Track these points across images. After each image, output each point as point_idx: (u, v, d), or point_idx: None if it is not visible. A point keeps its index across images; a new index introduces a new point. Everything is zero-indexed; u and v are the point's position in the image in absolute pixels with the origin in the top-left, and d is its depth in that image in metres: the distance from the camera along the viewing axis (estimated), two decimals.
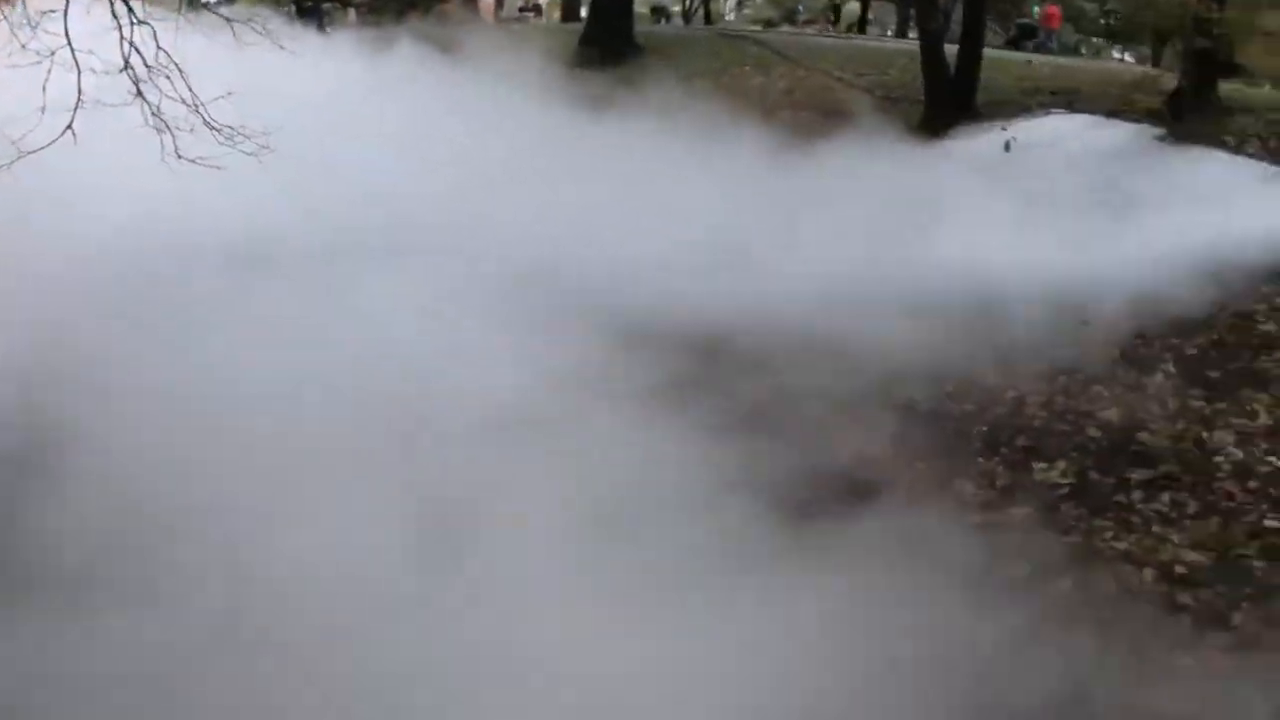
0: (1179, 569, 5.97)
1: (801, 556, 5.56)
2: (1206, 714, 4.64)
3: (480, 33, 29.09)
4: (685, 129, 15.90)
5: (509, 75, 17.63)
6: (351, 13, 40.35)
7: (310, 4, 30.11)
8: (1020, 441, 7.46)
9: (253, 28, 6.98)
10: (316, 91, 12.91)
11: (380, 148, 12.62)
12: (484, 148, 13.18)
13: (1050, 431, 7.59)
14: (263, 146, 6.77)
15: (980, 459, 7.13)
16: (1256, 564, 6.00)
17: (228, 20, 6.94)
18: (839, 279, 9.54)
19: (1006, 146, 13.65)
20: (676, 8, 51.65)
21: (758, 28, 35.60)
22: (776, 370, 8.06)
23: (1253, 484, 6.81)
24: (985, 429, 7.55)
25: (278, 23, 8.46)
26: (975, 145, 14.19)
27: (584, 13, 29.99)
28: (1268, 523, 6.39)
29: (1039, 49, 27.95)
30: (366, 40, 23.20)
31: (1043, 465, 7.13)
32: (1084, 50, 31.49)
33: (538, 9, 42.98)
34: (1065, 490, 6.85)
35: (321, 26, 28.09)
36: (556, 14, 42.92)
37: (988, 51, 20.89)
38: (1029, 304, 9.24)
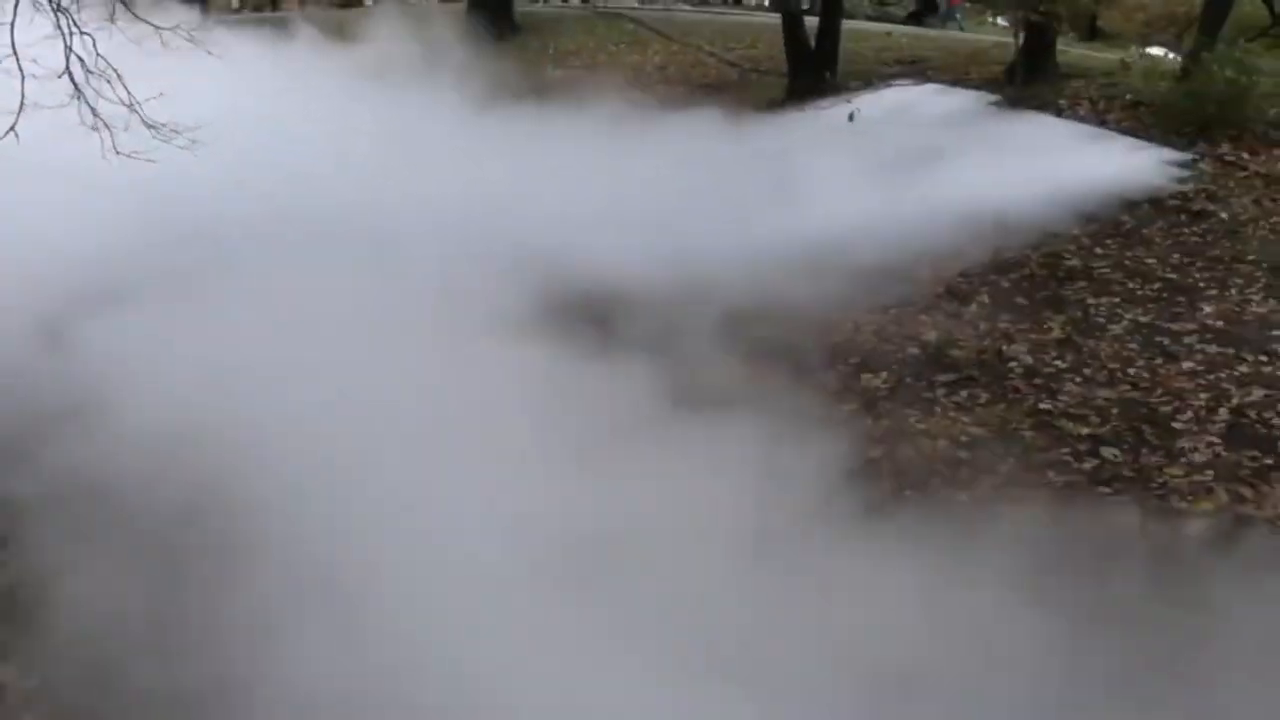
0: (964, 439, 7.91)
1: (668, 444, 7.30)
2: (973, 532, 6.50)
3: (365, 17, 30.38)
4: (566, 106, 17.60)
5: (399, 60, 19.15)
6: None
7: None
8: (853, 360, 9.33)
9: (179, 34, 8.43)
10: (236, 88, 14.11)
11: (297, 139, 13.96)
12: (387, 135, 14.62)
13: (877, 351, 9.46)
14: (194, 141, 8.24)
15: (818, 375, 8.97)
16: (1027, 434, 7.97)
17: (156, 28, 8.36)
18: (698, 236, 11.37)
19: (850, 117, 15.64)
20: None
21: (634, 4, 37.09)
22: (647, 314, 9.78)
23: (1037, 381, 8.79)
24: (824, 353, 9.41)
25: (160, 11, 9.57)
26: (829, 115, 16.18)
27: None
28: (1042, 406, 8.37)
29: (945, 23, 30.18)
30: (265, 31, 24.19)
31: (869, 375, 9.03)
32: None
33: None
34: (884, 392, 8.74)
35: (205, 10, 28.97)
36: None
37: (852, 24, 22.94)
38: (866, 251, 11.18)
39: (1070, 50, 20.88)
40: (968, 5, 30.58)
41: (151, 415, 7.73)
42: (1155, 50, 24.11)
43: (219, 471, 7.22)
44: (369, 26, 24.15)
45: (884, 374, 9.00)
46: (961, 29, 27.77)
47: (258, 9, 44.68)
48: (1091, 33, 50.10)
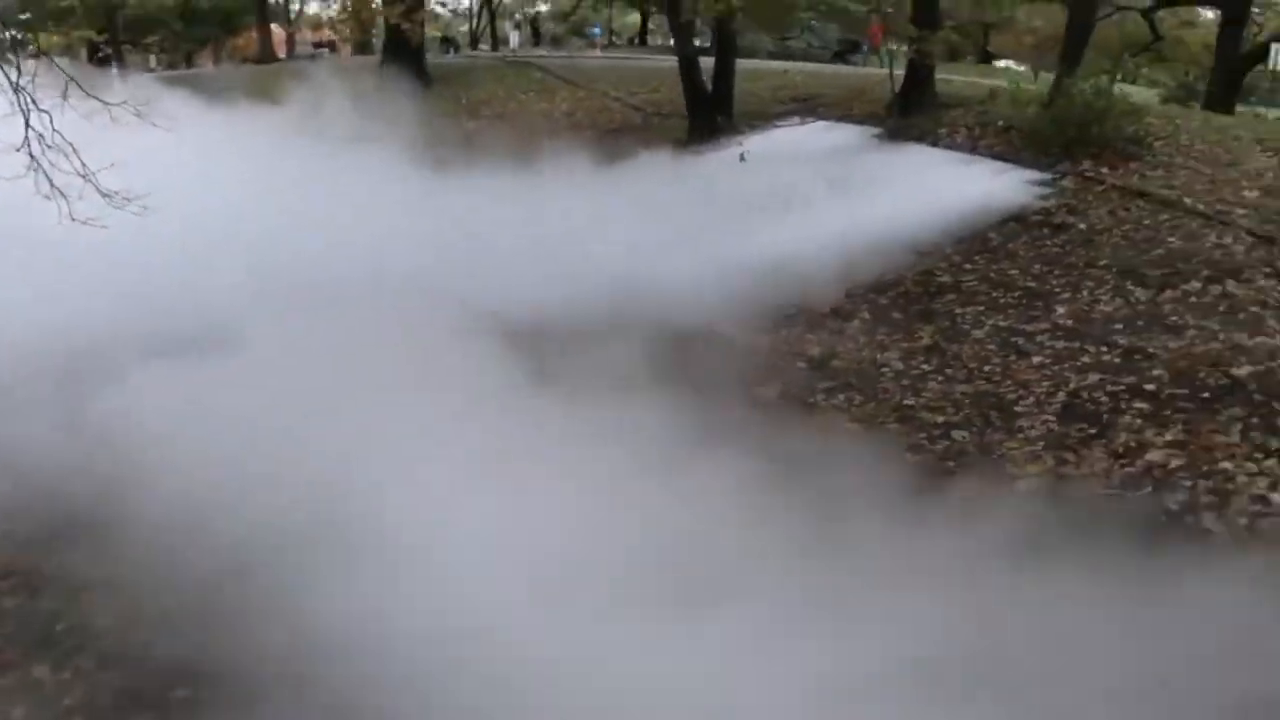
0: (838, 433, 9.41)
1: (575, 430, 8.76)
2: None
3: (282, 73, 31.68)
4: (483, 156, 19.13)
5: (326, 117, 20.60)
6: (151, 57, 42.20)
7: (105, 52, 32.29)
8: (748, 374, 10.82)
9: (127, 109, 9.68)
10: (181, 155, 15.22)
11: (241, 200, 15.20)
12: (328, 193, 15.97)
13: (769, 365, 10.99)
14: (145, 208, 9.47)
15: (716, 387, 10.40)
16: (891, 427, 9.51)
17: (105, 104, 9.61)
18: (608, 273, 12.86)
19: (741, 157, 17.31)
20: (464, 27, 54.76)
21: (542, 52, 38.66)
22: (559, 337, 11.21)
23: (905, 382, 10.33)
24: (722, 368, 10.86)
25: (74, 69, 10.64)
26: (724, 155, 17.85)
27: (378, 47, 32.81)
28: (906, 402, 9.92)
29: (867, 59, 32.06)
30: (191, 92, 25.36)
31: (760, 387, 10.53)
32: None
33: (332, 45, 45.82)
34: (774, 399, 10.23)
35: (121, 71, 30.16)
36: (347, 49, 45.68)
37: (751, 64, 24.72)
38: (760, 280, 12.72)
39: (953, 80, 22.84)
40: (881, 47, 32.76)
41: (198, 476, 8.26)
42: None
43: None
44: (290, 84, 25.53)
45: (774, 384, 10.50)
46: (882, 64, 29.58)
47: (172, 66, 45.92)
48: (985, 56, 52.80)
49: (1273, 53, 25.51)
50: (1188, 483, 7.93)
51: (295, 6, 54.94)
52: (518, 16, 56.06)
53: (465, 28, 55.25)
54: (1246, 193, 13.98)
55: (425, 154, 19.45)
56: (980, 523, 7.28)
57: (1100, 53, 47.01)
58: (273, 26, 46.65)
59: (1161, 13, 41.47)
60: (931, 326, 11.58)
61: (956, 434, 9.15)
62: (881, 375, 10.55)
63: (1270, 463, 8.02)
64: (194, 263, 12.80)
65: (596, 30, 49.68)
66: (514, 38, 48.87)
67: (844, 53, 34.21)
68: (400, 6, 22.62)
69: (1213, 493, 7.73)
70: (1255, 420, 8.63)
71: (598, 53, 40.69)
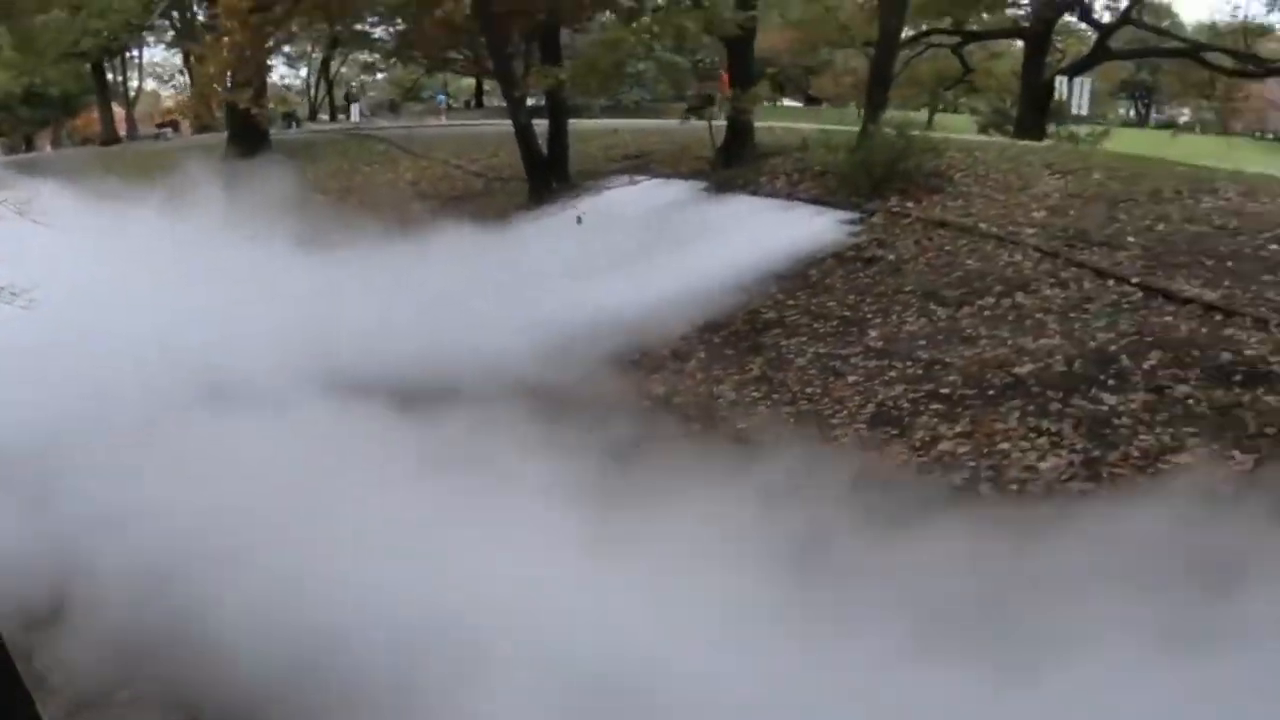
0: (680, 458, 10.91)
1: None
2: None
3: (126, 155, 32.30)
4: (334, 230, 20.37)
5: (177, 199, 21.61)
6: None
7: None
8: (599, 414, 12.24)
9: (7, 208, 10.71)
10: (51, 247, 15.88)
11: (117, 290, 16.05)
12: (191, 276, 16.98)
13: (619, 405, 12.44)
14: (32, 300, 10.43)
15: (569, 426, 11.79)
16: (727, 449, 11.07)
17: None
18: (466, 333, 14.23)
19: (578, 220, 18.88)
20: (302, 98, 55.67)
21: (384, 123, 39.82)
22: (415, 389, 12.56)
23: (738, 410, 11.98)
24: (576, 411, 12.30)
25: None
26: (563, 217, 19.43)
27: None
28: (739, 425, 11.55)
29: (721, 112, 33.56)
30: (41, 178, 25.88)
31: (608, 426, 11.97)
32: None
33: (174, 124, 46.48)
34: (622, 435, 11.64)
35: None
36: (188, 128, 46.39)
37: (584, 124, 26.41)
38: (606, 331, 14.23)
39: (775, 127, 24.89)
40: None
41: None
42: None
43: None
44: (140, 167, 26.35)
45: (622, 422, 11.96)
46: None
47: (12, 150, 45.97)
48: (808, 99, 55.76)
49: (1059, 85, 28.23)
50: (971, 463, 9.66)
51: (134, 85, 55.22)
52: (353, 86, 57.27)
53: (303, 99, 56.19)
54: (1035, 214, 16.01)
55: (278, 232, 20.54)
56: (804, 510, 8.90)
57: (918, 88, 50.49)
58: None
59: (971, 46, 44.92)
60: (760, 359, 13.21)
61: (785, 452, 10.78)
62: (718, 405, 12.13)
63: (1041, 440, 9.79)
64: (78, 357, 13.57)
65: (441, 97, 51.01)
66: (354, 110, 50.06)
67: (697, 108, 35.69)
68: (248, 91, 23.69)
69: (991, 468, 9.48)
70: (1031, 408, 10.40)
71: (442, 119, 42.11)
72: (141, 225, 20.92)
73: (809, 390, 12.08)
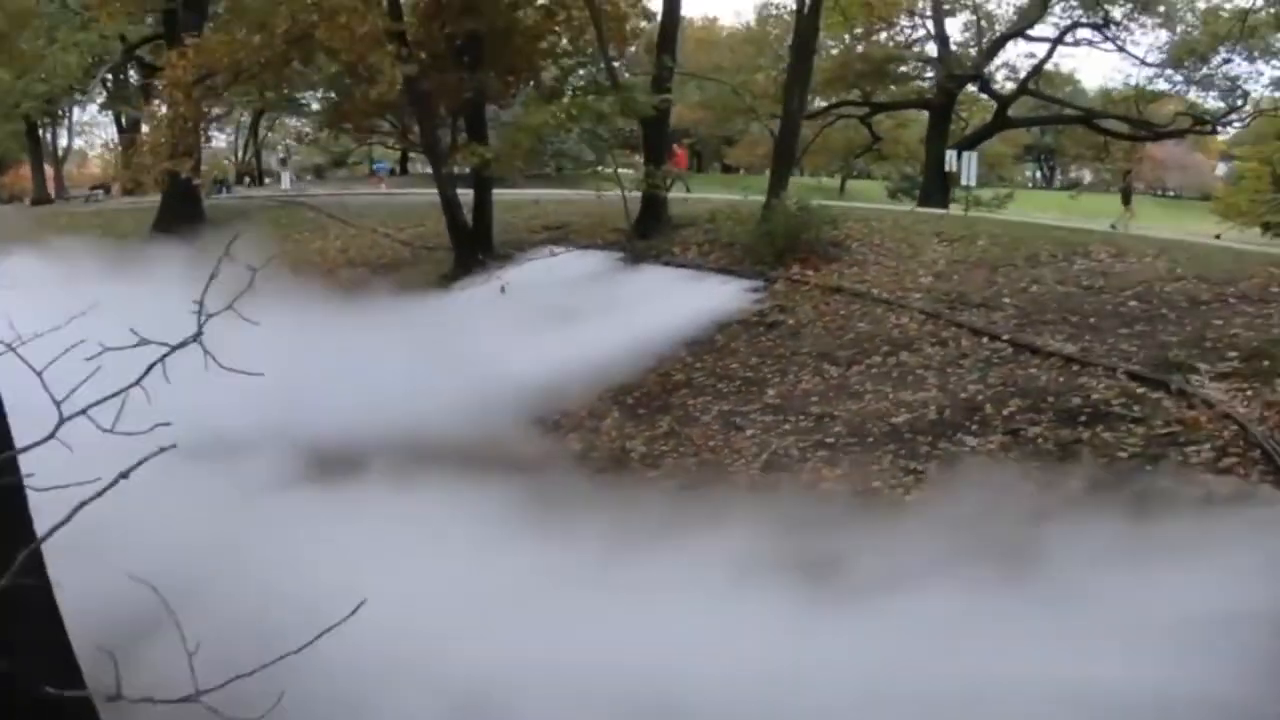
0: (596, 503, 12.38)
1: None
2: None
3: (57, 216, 33.09)
4: (267, 296, 21.50)
5: (105, 264, 22.61)
6: None
7: None
8: (521, 470, 13.66)
9: None
10: None
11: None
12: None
13: (537, 461, 13.91)
14: None
15: (495, 484, 13.16)
16: (639, 494, 12.52)
17: None
18: (398, 398, 15.54)
19: (502, 289, 20.38)
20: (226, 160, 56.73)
21: (316, 191, 40.90)
22: (364, 452, 13.84)
23: (648, 461, 13.50)
24: (498, 468, 13.68)
25: None
26: (487, 287, 20.92)
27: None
28: (649, 476, 13.06)
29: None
30: None
31: (529, 480, 13.40)
32: None
33: (106, 188, 47.49)
34: (548, 486, 13.10)
35: None
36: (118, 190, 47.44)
37: (507, 195, 27.94)
38: (525, 395, 15.65)
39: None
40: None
41: None
42: None
43: None
44: (78, 229, 27.25)
45: (546, 475, 13.41)
46: (688, 190, 31.07)
47: None
48: (725, 167, 58.10)
49: (948, 158, 30.35)
50: (847, 498, 11.29)
51: (62, 145, 56.05)
52: (284, 152, 58.43)
53: (228, 161, 57.11)
54: (922, 279, 17.87)
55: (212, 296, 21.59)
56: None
57: (831, 155, 53.04)
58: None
59: (879, 116, 47.54)
60: (669, 416, 14.76)
61: (684, 494, 12.30)
62: (630, 459, 13.64)
63: (909, 479, 11.46)
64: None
65: (382, 166, 51.95)
66: (284, 176, 51.15)
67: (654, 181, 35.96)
68: (188, 161, 24.82)
69: (863, 501, 11.10)
70: (903, 452, 12.09)
71: (382, 187, 43.39)
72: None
73: (711, 443, 13.64)
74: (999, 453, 11.74)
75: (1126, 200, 38.97)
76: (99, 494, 3.98)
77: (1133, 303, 14.92)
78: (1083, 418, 11.98)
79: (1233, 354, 12.63)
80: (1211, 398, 11.63)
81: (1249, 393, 11.74)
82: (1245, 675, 7.20)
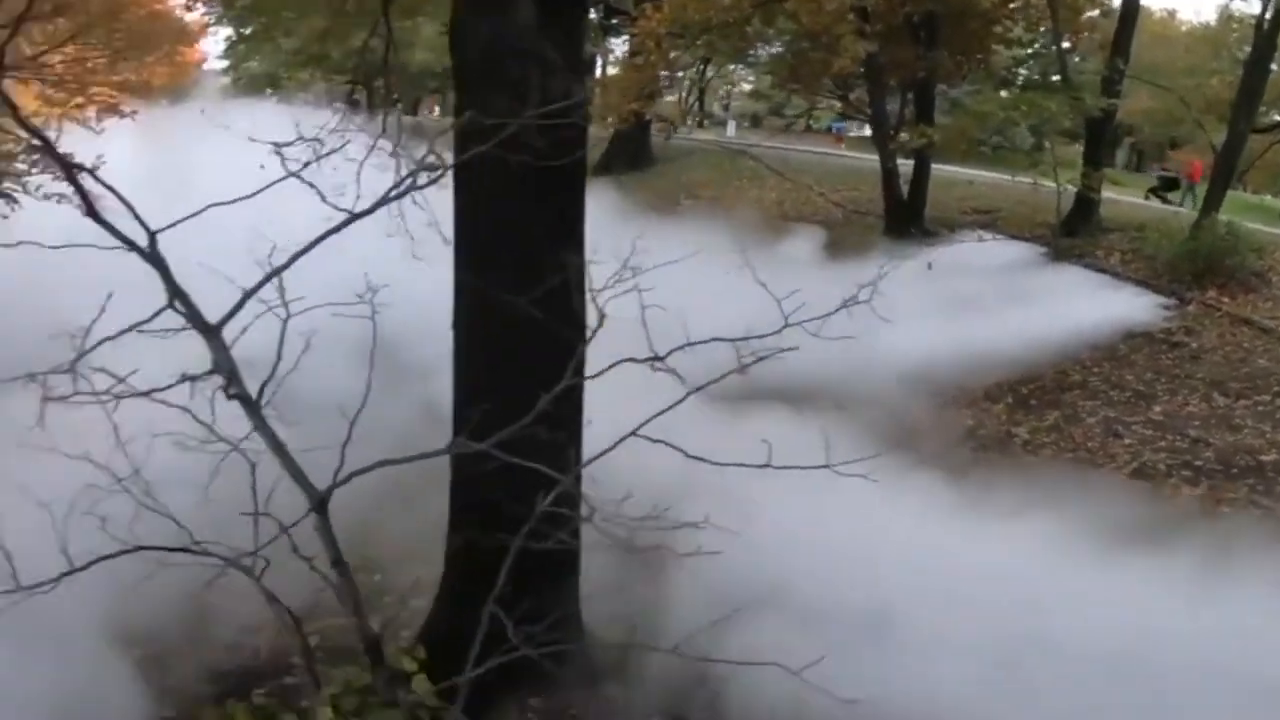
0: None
1: None
2: None
3: None
4: (715, 233, 24.52)
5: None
6: None
7: None
8: (909, 435, 16.28)
9: None
10: None
11: None
12: None
13: (935, 432, 16.43)
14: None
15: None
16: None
17: None
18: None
19: (929, 266, 22.76)
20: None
21: (756, 140, 43.48)
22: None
23: (1029, 448, 15.76)
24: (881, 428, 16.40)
25: None
26: (915, 261, 23.30)
27: None
28: (1026, 460, 15.41)
29: (1184, 198, 34.89)
30: None
31: (911, 447, 15.98)
32: None
33: None
34: (937, 450, 15.65)
35: None
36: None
37: (941, 170, 30.13)
38: (940, 370, 18.09)
39: (1120, 201, 28.02)
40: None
41: None
42: None
43: None
44: None
45: (931, 441, 15.93)
46: (1196, 203, 29.25)
47: None
48: (1163, 174, 56.82)
49: None
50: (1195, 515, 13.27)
51: None
52: (724, 99, 61.90)
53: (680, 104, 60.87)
54: None
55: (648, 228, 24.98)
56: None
57: (1277, 173, 50.85)
58: None
59: None
60: (1057, 412, 16.86)
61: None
62: (1013, 442, 16.01)
63: (1258, 512, 13.26)
64: None
65: (841, 125, 53.58)
66: (730, 124, 54.44)
67: (1161, 189, 36.38)
68: (651, 104, 27.95)
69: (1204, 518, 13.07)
70: (1259, 488, 13.85)
71: (841, 147, 45.86)
72: None
73: (1090, 444, 15.72)
74: None
75: None
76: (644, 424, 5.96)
77: None
78: None
79: None
80: None
81: None
82: None
